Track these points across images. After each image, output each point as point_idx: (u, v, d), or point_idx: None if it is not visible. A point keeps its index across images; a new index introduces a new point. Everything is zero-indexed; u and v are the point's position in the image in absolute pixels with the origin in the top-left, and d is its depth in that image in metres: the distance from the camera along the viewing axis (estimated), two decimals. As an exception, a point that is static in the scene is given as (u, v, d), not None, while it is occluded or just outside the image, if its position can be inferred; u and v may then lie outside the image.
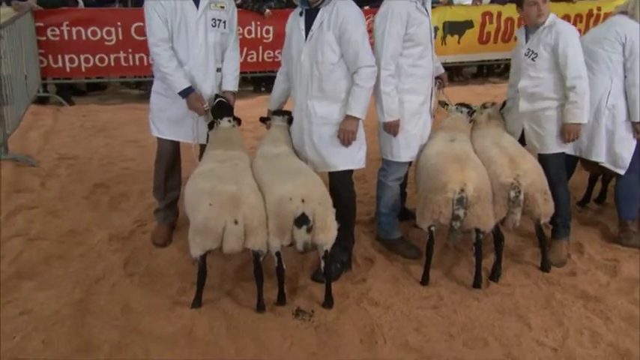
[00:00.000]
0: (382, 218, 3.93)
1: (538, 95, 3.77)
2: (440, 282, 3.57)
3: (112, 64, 7.75)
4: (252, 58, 8.25)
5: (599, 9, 10.06)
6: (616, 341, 3.01)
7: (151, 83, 8.40)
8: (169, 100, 3.71)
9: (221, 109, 3.59)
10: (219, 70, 3.77)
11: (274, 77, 9.50)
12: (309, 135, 3.55)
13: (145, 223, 4.22)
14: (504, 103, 4.13)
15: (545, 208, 3.51)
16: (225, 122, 3.58)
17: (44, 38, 7.39)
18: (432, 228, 3.47)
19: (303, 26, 3.46)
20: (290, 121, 3.72)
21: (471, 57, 9.60)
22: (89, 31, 7.54)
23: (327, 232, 3.14)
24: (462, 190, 3.32)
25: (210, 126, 3.62)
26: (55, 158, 5.58)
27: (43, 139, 6.20)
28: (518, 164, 3.49)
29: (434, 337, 3.04)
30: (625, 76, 3.84)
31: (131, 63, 7.84)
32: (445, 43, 8.96)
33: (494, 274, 3.59)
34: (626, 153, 3.91)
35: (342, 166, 3.58)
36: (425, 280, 3.53)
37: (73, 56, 7.57)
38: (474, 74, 10.27)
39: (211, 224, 3.00)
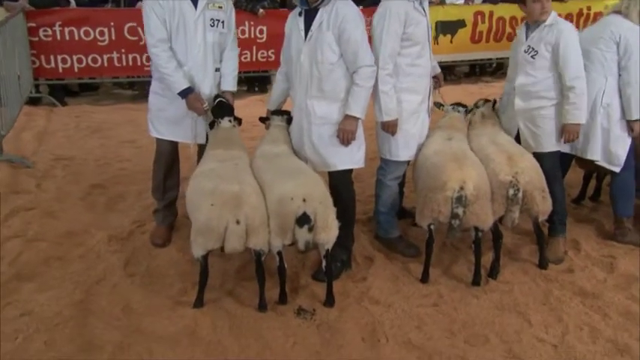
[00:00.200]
0: (381, 217, 3.95)
1: (534, 94, 3.80)
2: (439, 280, 3.60)
3: (105, 64, 7.72)
4: (245, 58, 8.23)
5: (589, 8, 10.18)
6: (615, 336, 3.05)
7: (144, 83, 8.46)
8: (168, 100, 3.71)
9: (222, 108, 3.60)
10: (217, 70, 3.77)
11: (268, 77, 9.60)
12: (309, 135, 3.56)
13: (143, 223, 4.22)
14: (495, 102, 4.16)
15: (544, 205, 3.54)
16: (225, 122, 3.59)
17: (36, 39, 7.35)
18: (432, 226, 3.49)
19: (302, 26, 3.47)
20: (289, 120, 3.72)
21: (463, 56, 9.69)
22: (82, 31, 7.51)
23: (329, 231, 3.16)
24: (462, 189, 3.35)
25: (211, 126, 3.62)
26: (50, 159, 5.56)
27: (37, 140, 6.17)
28: (517, 162, 3.52)
29: (435, 335, 3.06)
30: (619, 75, 3.87)
31: (124, 63, 7.82)
32: (438, 43, 9.01)
33: (493, 272, 3.62)
34: (621, 151, 3.95)
35: (341, 166, 3.60)
36: (425, 278, 3.56)
37: (66, 56, 7.54)
38: (467, 73, 10.34)
39: (213, 224, 3.01)
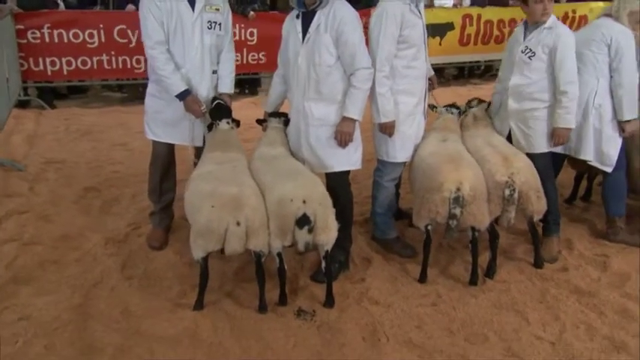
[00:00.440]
0: (378, 218, 3.97)
1: (528, 95, 3.85)
2: (437, 280, 3.62)
3: (95, 66, 7.68)
4: (236, 61, 8.15)
5: (574, 11, 10.33)
6: (611, 334, 3.09)
7: (133, 86, 8.41)
8: (164, 102, 3.70)
9: (220, 110, 3.60)
10: (215, 72, 3.77)
11: (258, 80, 9.59)
12: (306, 136, 3.57)
13: (139, 226, 4.20)
14: (489, 104, 4.20)
15: (539, 205, 3.59)
16: (224, 124, 3.59)
17: (25, 41, 7.29)
18: (429, 227, 3.52)
19: (299, 29, 3.48)
20: (286, 122, 3.73)
21: (452, 58, 9.76)
22: (71, 34, 7.46)
23: (328, 232, 3.17)
24: (459, 189, 3.38)
25: (209, 128, 3.62)
26: (41, 162, 5.51)
27: (28, 143, 6.12)
28: (512, 162, 3.56)
29: (435, 334, 3.09)
30: (611, 76, 3.93)
31: (114, 66, 7.77)
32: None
33: (490, 271, 3.66)
34: (613, 151, 4.01)
35: (338, 167, 3.61)
36: (422, 279, 3.59)
37: (55, 59, 7.49)
38: (455, 76, 10.43)
39: (214, 226, 3.01)
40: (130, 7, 7.71)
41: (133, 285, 3.47)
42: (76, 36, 7.49)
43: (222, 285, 3.48)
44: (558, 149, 4.00)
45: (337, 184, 3.62)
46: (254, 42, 8.26)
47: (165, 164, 3.89)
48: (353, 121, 3.49)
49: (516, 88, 3.88)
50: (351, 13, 3.42)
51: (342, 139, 3.51)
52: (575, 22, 10.14)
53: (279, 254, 3.18)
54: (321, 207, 3.15)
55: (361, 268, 3.75)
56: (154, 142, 3.85)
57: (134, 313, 3.19)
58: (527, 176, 3.54)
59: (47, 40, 7.37)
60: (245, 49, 8.26)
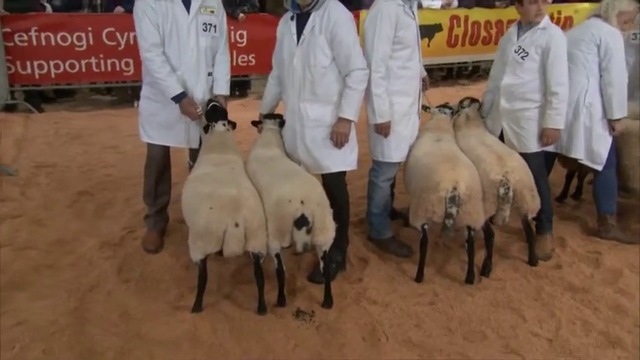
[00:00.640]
0: (374, 218, 4.00)
1: (519, 95, 3.89)
2: (433, 279, 3.65)
3: (84, 69, 7.62)
4: (229, 62, 8.22)
5: (559, 12, 10.45)
6: (606, 329, 3.14)
7: (122, 89, 8.35)
8: (160, 105, 3.69)
9: (216, 112, 3.60)
10: (210, 74, 3.76)
11: (248, 82, 9.55)
12: (302, 138, 3.59)
13: (134, 229, 4.18)
14: (480, 105, 4.24)
15: (533, 203, 3.63)
16: (220, 126, 3.59)
17: (12, 44, 7.22)
18: (426, 226, 3.55)
19: (294, 30, 3.49)
20: (281, 124, 3.74)
21: (440, 59, 9.83)
22: (59, 37, 7.41)
23: (326, 233, 3.19)
24: (455, 189, 3.41)
25: (205, 130, 3.61)
26: (31, 166, 5.46)
27: (17, 147, 6.06)
28: (506, 162, 3.60)
29: (434, 333, 3.11)
30: (601, 76, 3.99)
31: (103, 69, 7.73)
32: (415, 46, 9.13)
33: (485, 270, 3.69)
34: (603, 150, 4.07)
35: (334, 168, 3.63)
36: (419, 278, 3.61)
37: (42, 62, 7.43)
38: (444, 77, 10.50)
39: (213, 228, 3.00)
40: (119, 9, 7.65)
41: (130, 288, 3.46)
42: (64, 39, 7.44)
43: (220, 287, 3.47)
44: (550, 148, 4.04)
45: (333, 184, 3.63)
46: (244, 44, 8.25)
47: (160, 167, 3.88)
48: (349, 121, 3.50)
49: (508, 87, 3.91)
50: (345, 15, 3.44)
51: (338, 139, 3.52)
52: (561, 24, 10.25)
53: (277, 255, 3.19)
54: (319, 207, 3.15)
55: (358, 268, 3.77)
56: (149, 145, 3.84)
57: (133, 317, 3.17)
58: (521, 175, 3.58)
59: (35, 43, 7.31)
60: (235, 52, 8.23)
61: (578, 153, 4.08)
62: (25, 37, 7.26)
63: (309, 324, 3.17)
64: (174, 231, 4.12)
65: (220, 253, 3.09)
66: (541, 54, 3.74)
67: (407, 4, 3.65)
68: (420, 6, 9.44)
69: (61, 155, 5.86)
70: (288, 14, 3.56)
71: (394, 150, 3.82)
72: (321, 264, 3.28)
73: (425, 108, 4.20)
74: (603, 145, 4.07)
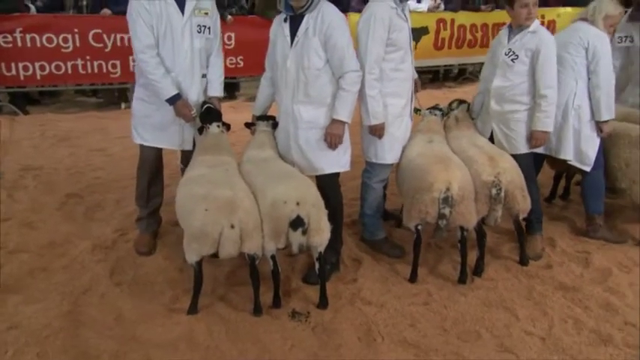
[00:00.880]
0: (367, 219, 4.02)
1: (509, 97, 3.93)
2: (426, 279, 3.68)
3: (70, 71, 7.53)
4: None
5: (542, 17, 10.56)
6: (597, 327, 3.19)
7: (109, 91, 8.26)
8: (154, 106, 3.67)
9: (210, 114, 3.59)
10: (204, 76, 3.76)
11: (237, 84, 9.51)
12: (296, 139, 3.60)
13: (126, 232, 4.15)
14: (469, 106, 4.28)
15: (524, 204, 3.68)
16: (214, 128, 3.59)
17: (-5, 45, 7.12)
18: (419, 227, 3.57)
19: (288, 32, 3.50)
20: (274, 126, 3.75)
21: (427, 62, 9.88)
22: (44, 38, 7.30)
23: (322, 234, 3.20)
24: (448, 190, 3.44)
25: (200, 131, 3.60)
26: (18, 169, 5.40)
27: (2, 149, 5.99)
28: (498, 162, 3.64)
29: (429, 333, 3.13)
30: (589, 78, 4.06)
31: (89, 70, 7.63)
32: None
33: (478, 270, 3.73)
34: (591, 151, 4.13)
35: (328, 170, 3.64)
36: (413, 278, 3.64)
37: (27, 64, 7.31)
38: (431, 79, 10.57)
39: (208, 230, 3.00)
40: (105, 11, 7.59)
41: (124, 291, 3.44)
42: (49, 40, 7.34)
43: (214, 289, 3.46)
44: (539, 150, 4.09)
45: (327, 186, 3.64)
46: (232, 46, 8.22)
47: (153, 169, 3.86)
48: (343, 123, 3.52)
49: (498, 90, 3.96)
50: (338, 17, 3.46)
51: (332, 141, 3.54)
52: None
53: (272, 257, 3.19)
54: (315, 209, 3.17)
55: (352, 269, 3.79)
56: (142, 147, 3.81)
57: (128, 319, 3.16)
58: (512, 176, 3.62)
59: (19, 44, 7.20)
60: (223, 54, 8.19)
61: (568, 154, 4.13)
62: (10, 38, 7.15)
63: (304, 325, 3.18)
64: (167, 233, 4.11)
65: (215, 255, 3.09)
66: (531, 57, 3.79)
67: (399, 6, 3.67)
68: (407, 9, 9.50)
69: (48, 158, 5.80)
70: (282, 16, 3.56)
71: (388, 151, 3.84)
72: (317, 265, 3.29)
73: (416, 110, 4.23)
74: (591, 147, 4.13)
